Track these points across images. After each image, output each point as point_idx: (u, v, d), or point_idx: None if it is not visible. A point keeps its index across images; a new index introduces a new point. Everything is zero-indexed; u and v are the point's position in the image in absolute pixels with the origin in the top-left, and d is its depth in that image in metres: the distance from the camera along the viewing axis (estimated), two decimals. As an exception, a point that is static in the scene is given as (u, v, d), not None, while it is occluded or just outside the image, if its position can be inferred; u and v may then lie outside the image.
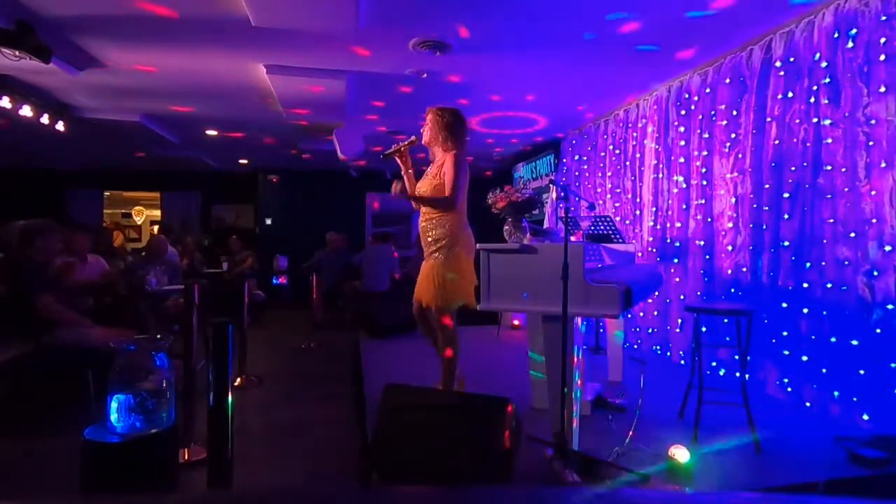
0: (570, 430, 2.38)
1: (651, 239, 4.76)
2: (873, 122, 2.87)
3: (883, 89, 2.82)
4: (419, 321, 3.32)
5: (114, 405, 1.87)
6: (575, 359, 2.46)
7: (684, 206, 4.33)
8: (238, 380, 4.04)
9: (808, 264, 3.25)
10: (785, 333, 3.39)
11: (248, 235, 9.17)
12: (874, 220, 2.87)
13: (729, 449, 2.60)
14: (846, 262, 3.01)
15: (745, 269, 3.73)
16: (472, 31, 3.58)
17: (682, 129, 4.38)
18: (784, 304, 3.40)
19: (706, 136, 4.10)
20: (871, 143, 2.89)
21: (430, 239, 3.15)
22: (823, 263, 3.15)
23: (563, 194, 2.51)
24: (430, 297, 3.08)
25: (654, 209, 4.74)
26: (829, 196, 3.12)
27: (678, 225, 4.38)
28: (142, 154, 7.72)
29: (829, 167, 3.12)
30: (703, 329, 3.76)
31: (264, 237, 9.38)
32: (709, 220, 4.09)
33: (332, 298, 7.24)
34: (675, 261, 4.39)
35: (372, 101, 5.24)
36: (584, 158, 6.17)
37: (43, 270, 3.42)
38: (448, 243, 3.08)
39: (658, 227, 4.68)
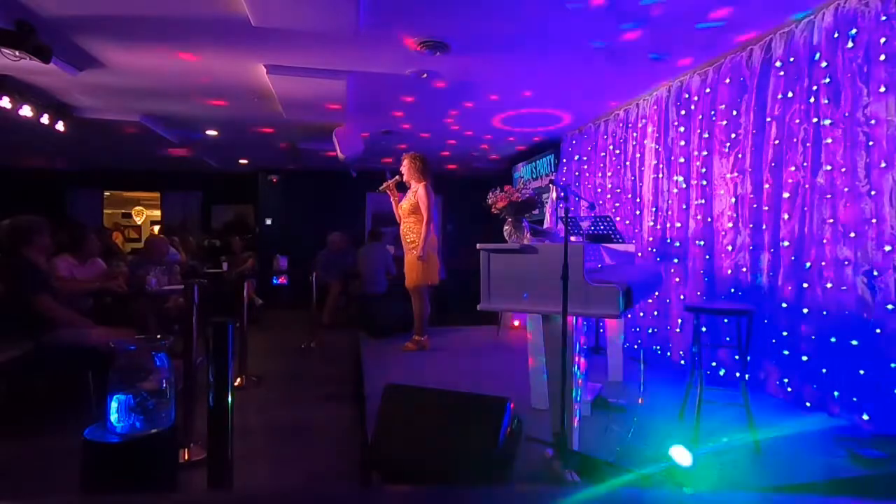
0: (570, 430, 2.38)
1: (651, 239, 4.76)
2: (873, 122, 2.87)
3: (883, 89, 2.82)
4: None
5: (114, 405, 1.87)
6: (576, 358, 2.46)
7: (684, 206, 4.33)
8: (238, 380, 4.04)
9: (807, 264, 3.25)
10: (785, 333, 3.39)
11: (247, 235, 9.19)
12: (874, 220, 2.87)
13: (729, 449, 2.60)
14: (846, 262, 3.01)
15: (745, 269, 3.73)
16: (472, 31, 3.58)
17: (682, 129, 4.38)
18: (784, 304, 3.40)
19: (706, 136, 4.10)
20: (870, 143, 2.89)
21: (407, 241, 4.78)
22: (823, 263, 3.15)
23: (563, 194, 2.51)
24: (412, 279, 4.76)
25: (654, 209, 4.74)
26: (828, 196, 3.12)
27: (678, 225, 4.38)
28: (142, 155, 7.72)
29: (828, 167, 3.12)
30: (703, 329, 3.76)
31: (264, 237, 9.38)
32: (709, 220, 4.09)
33: (333, 298, 7.28)
34: (675, 261, 4.39)
35: (372, 101, 5.24)
36: (584, 158, 6.17)
37: (39, 269, 3.42)
38: (419, 243, 4.66)
39: (658, 227, 4.68)
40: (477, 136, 6.76)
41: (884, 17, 2.82)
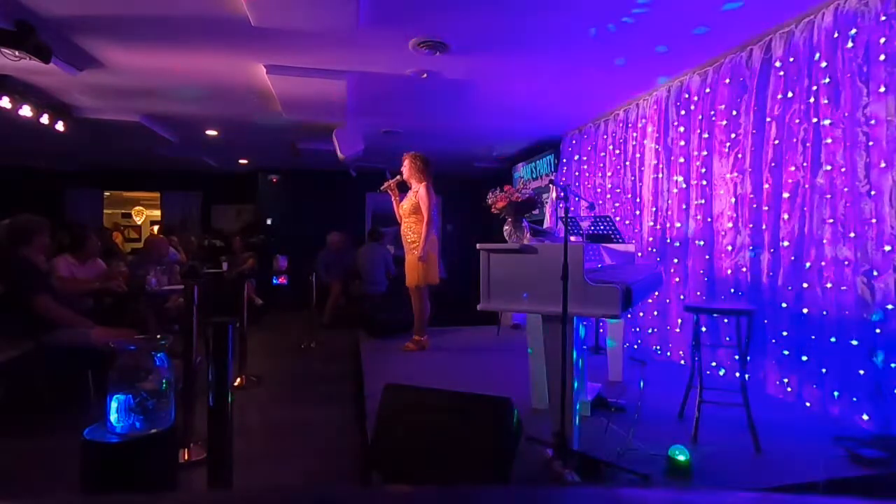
0: (570, 430, 2.38)
1: (651, 239, 4.76)
2: (873, 122, 2.87)
3: (883, 89, 2.82)
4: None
5: (113, 405, 1.87)
6: (576, 357, 2.46)
7: (684, 206, 4.33)
8: (238, 380, 4.04)
9: (807, 264, 3.25)
10: (785, 333, 3.39)
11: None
12: (874, 221, 2.87)
13: (728, 449, 2.60)
14: (846, 262, 3.01)
15: (744, 270, 3.73)
16: (472, 30, 3.58)
17: (681, 129, 4.38)
18: (784, 304, 3.40)
19: (706, 136, 4.10)
20: (870, 144, 2.89)
21: (408, 241, 4.79)
22: (823, 263, 3.15)
23: (563, 194, 2.51)
24: (412, 279, 4.77)
25: (653, 209, 4.74)
26: (828, 196, 3.12)
27: (678, 225, 4.38)
28: (142, 154, 7.72)
29: (828, 167, 3.12)
30: (703, 329, 3.76)
31: (264, 237, 9.37)
32: (709, 220, 4.09)
33: (334, 298, 7.29)
34: (675, 261, 4.39)
35: (372, 101, 5.24)
36: (584, 158, 6.17)
37: (39, 269, 3.41)
38: (420, 243, 4.66)
39: (658, 227, 4.68)
40: (479, 135, 6.76)
41: (883, 18, 2.82)
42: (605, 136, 5.68)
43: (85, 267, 4.12)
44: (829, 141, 3.11)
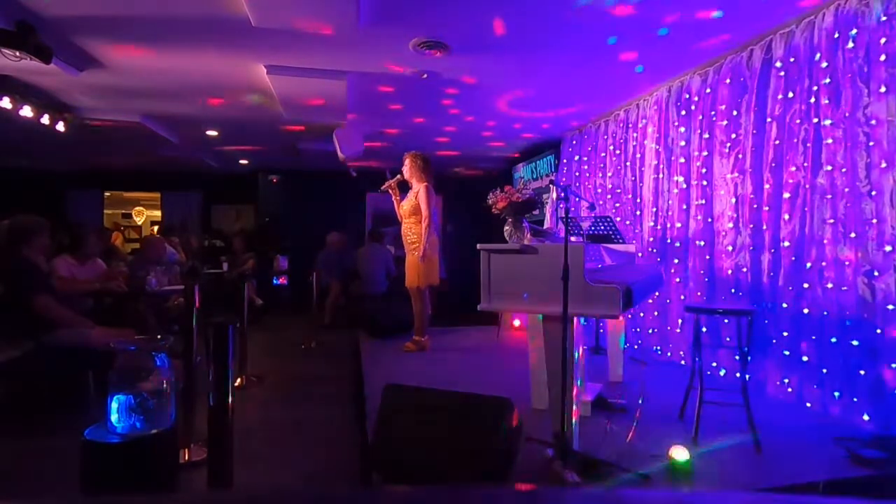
0: (570, 430, 2.38)
1: (651, 239, 4.76)
2: (873, 122, 2.87)
3: (883, 89, 2.82)
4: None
5: (114, 405, 1.87)
6: (576, 358, 2.46)
7: (684, 207, 4.33)
8: (238, 380, 4.03)
9: (808, 264, 3.25)
10: (785, 334, 3.39)
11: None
12: (874, 221, 2.87)
13: (729, 449, 2.60)
14: (846, 263, 3.01)
15: (745, 270, 3.73)
16: (472, 30, 3.58)
17: (682, 129, 4.38)
18: (784, 305, 3.40)
19: (706, 136, 4.10)
20: (871, 144, 2.89)
21: (408, 241, 4.81)
22: (824, 264, 3.15)
23: (563, 194, 2.51)
24: (412, 279, 4.78)
25: (654, 209, 4.73)
26: (829, 196, 3.12)
27: (678, 225, 4.38)
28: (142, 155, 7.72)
29: (829, 167, 3.12)
30: (704, 329, 3.76)
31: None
32: (709, 220, 4.09)
33: (333, 298, 7.28)
34: (676, 261, 4.39)
35: (372, 101, 5.23)
36: (585, 159, 6.17)
37: (39, 269, 3.41)
38: (420, 244, 4.70)
39: (658, 227, 4.68)
40: (479, 135, 6.76)
41: (884, 18, 2.82)
42: (606, 137, 5.68)
43: (85, 267, 4.12)
44: (829, 141, 3.11)
